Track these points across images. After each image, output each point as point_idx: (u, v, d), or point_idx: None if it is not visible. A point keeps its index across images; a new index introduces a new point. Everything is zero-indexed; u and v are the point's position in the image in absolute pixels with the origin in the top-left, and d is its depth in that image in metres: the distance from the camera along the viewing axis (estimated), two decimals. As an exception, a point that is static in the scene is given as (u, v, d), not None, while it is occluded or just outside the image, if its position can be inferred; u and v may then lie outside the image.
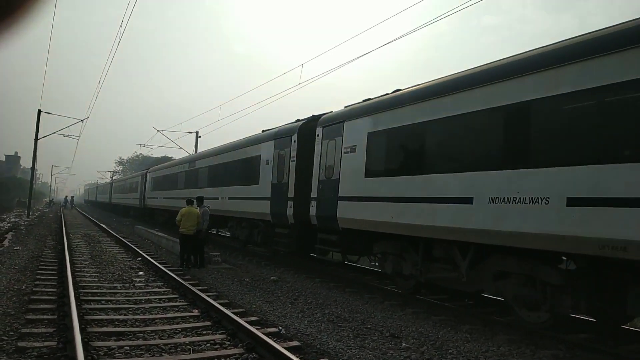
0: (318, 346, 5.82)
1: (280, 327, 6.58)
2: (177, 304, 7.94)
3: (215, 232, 21.29)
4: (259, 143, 14.40)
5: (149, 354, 5.23)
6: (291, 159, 12.22)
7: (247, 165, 15.13)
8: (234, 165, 16.47)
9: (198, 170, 20.68)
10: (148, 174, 31.34)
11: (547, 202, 5.77)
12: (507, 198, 6.30)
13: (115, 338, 5.74)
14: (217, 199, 16.96)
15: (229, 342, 5.80)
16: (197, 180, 20.59)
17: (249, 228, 15.24)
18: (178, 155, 59.09)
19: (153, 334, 6.06)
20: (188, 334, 6.14)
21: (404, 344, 6.10)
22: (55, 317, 6.58)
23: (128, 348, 5.34)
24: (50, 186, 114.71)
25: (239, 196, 15.38)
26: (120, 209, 44.80)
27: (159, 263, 11.94)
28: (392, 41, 12.71)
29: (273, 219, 12.92)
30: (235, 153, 16.40)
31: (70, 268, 10.08)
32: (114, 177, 67.63)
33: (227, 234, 22.86)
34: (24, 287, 8.63)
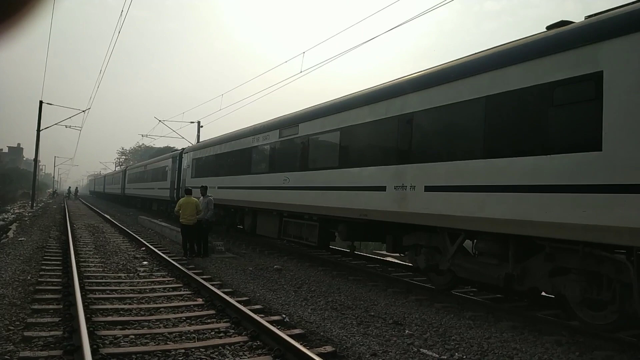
0: (322, 333, 5.85)
1: (284, 315, 6.63)
2: (182, 293, 7.98)
3: (349, 250, 12.26)
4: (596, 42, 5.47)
5: (154, 342, 5.27)
6: None
7: (515, 111, 6.46)
8: (440, 117, 7.72)
9: (308, 140, 11.68)
10: (187, 155, 22.76)
11: None
12: None
13: (120, 327, 5.79)
14: (383, 189, 8.69)
15: (233, 330, 5.84)
16: (306, 157, 11.77)
17: (509, 257, 6.75)
18: (180, 145, 56.99)
19: (158, 322, 6.10)
20: (193, 322, 6.19)
21: (407, 331, 6.13)
22: (61, 306, 6.63)
23: (133, 337, 5.39)
24: (54, 177, 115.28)
25: (466, 183, 7.08)
26: (137, 202, 36.38)
27: (163, 253, 12.01)
28: (393, 28, 12.57)
29: None
30: (444, 92, 7.63)
31: (75, 258, 10.15)
32: (125, 165, 59.01)
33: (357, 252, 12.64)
34: (29, 277, 8.69)
